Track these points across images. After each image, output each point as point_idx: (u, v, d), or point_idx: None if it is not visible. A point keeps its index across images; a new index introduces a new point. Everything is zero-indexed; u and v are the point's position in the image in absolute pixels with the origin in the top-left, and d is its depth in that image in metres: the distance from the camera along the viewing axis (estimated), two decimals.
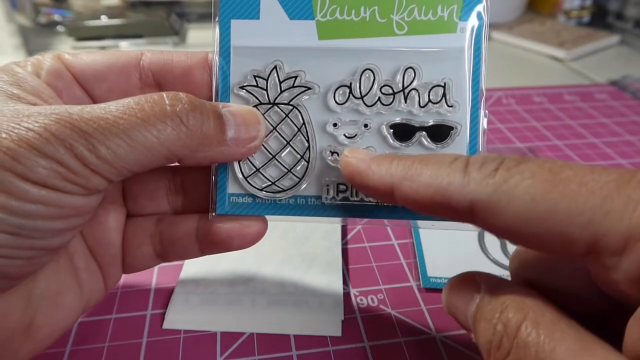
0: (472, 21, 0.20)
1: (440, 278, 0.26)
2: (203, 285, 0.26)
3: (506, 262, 0.28)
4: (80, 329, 0.24)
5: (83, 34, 0.64)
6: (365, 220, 0.21)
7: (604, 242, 0.13)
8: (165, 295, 0.25)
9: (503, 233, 0.15)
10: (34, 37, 0.65)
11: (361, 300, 0.25)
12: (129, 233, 0.22)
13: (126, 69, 0.21)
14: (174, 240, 0.21)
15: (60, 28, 0.68)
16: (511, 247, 0.28)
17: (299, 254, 0.28)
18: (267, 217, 0.21)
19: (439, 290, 0.26)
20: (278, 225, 0.30)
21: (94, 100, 0.21)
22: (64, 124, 0.15)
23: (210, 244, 0.21)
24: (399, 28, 0.20)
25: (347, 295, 0.26)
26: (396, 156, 0.17)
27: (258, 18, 0.20)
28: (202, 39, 0.67)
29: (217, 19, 0.20)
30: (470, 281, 0.18)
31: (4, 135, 0.15)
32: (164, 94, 0.18)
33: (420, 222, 0.20)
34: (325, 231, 0.30)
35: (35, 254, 0.16)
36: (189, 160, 0.18)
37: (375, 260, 0.28)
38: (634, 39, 0.68)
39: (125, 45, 0.64)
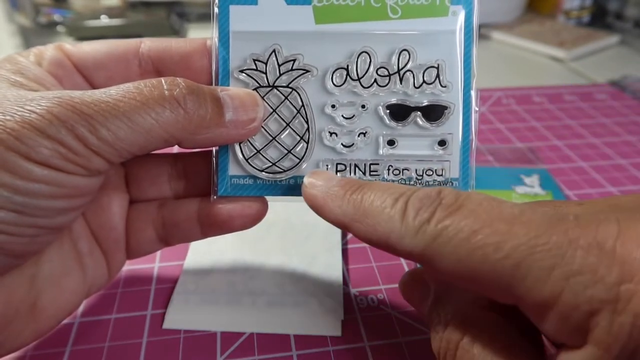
0: (463, 4, 0.20)
1: None
2: (203, 285, 0.26)
3: None
4: (80, 329, 0.24)
5: (83, 34, 0.64)
6: None
7: (524, 306, 0.14)
8: (165, 295, 0.25)
9: (446, 279, 0.17)
10: (34, 37, 0.65)
11: (361, 300, 0.25)
12: (132, 218, 0.22)
13: (125, 57, 0.21)
14: (177, 223, 0.22)
15: (60, 28, 0.68)
16: None
17: (299, 254, 0.28)
18: (268, 197, 0.21)
19: None
20: (278, 225, 0.30)
21: (95, 87, 0.21)
22: (65, 106, 0.16)
23: (213, 226, 0.21)
24: (393, 12, 0.20)
25: (347, 295, 0.26)
26: (349, 188, 0.18)
27: (256, 4, 0.20)
28: None
29: (216, 3, 0.20)
30: (421, 282, 0.19)
31: (8, 117, 0.15)
32: (162, 79, 0.18)
33: None
34: (325, 231, 0.30)
35: (38, 232, 0.17)
36: (188, 143, 0.19)
37: (375, 260, 0.28)
38: (634, 39, 0.68)
39: None
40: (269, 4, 0.20)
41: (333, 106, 0.20)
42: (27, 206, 0.16)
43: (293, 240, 0.29)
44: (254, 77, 0.20)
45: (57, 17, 0.71)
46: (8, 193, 0.15)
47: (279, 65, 0.20)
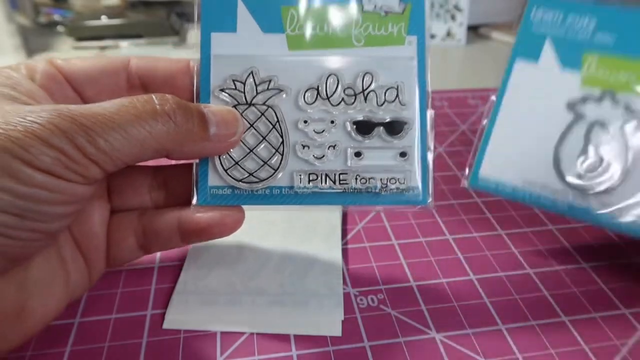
0: (417, 35, 0.23)
1: (490, 180, 0.28)
2: (203, 285, 0.26)
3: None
4: (80, 328, 0.24)
5: (83, 34, 0.64)
6: (340, 206, 0.25)
7: None
8: (165, 295, 0.25)
9: None
10: (34, 37, 0.65)
11: (361, 300, 0.25)
12: (113, 226, 0.23)
13: (115, 72, 0.23)
14: (157, 231, 0.23)
15: (60, 28, 0.68)
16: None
17: (299, 254, 0.28)
18: (245, 207, 0.23)
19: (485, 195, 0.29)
20: (278, 225, 0.30)
21: (85, 101, 0.23)
22: (65, 118, 0.17)
23: (192, 234, 0.22)
24: (357, 40, 0.23)
25: (347, 295, 0.26)
26: None
27: (235, 31, 0.22)
28: None
29: (199, 31, 0.22)
30: None
31: (11, 127, 0.16)
32: (153, 95, 0.19)
33: (380, 207, 0.26)
34: (325, 231, 0.30)
35: (36, 236, 0.18)
36: (176, 154, 0.20)
37: (375, 260, 0.28)
38: None
39: (125, 45, 0.65)
40: (247, 32, 0.22)
41: (305, 122, 0.22)
42: (28, 211, 0.17)
43: (293, 240, 0.29)
44: (233, 95, 0.22)
45: (57, 17, 0.71)
46: (10, 197, 0.16)
47: (256, 85, 0.22)
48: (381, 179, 0.23)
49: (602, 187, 0.25)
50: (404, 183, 0.23)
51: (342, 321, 0.24)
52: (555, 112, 0.26)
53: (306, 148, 0.22)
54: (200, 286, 0.26)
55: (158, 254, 0.28)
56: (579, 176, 0.26)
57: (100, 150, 0.17)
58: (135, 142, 0.18)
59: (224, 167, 0.22)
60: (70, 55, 0.62)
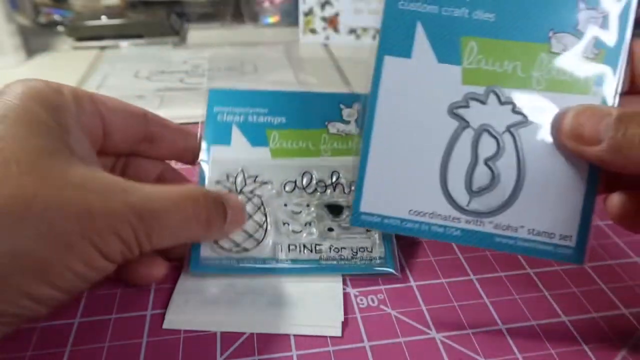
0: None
1: (374, 215, 0.24)
2: (203, 285, 0.26)
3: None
4: (80, 328, 0.24)
5: (83, 34, 0.64)
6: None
7: None
8: (165, 295, 0.25)
9: None
10: (34, 37, 0.65)
11: (361, 300, 0.25)
12: None
13: (138, 121, 0.26)
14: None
15: (60, 28, 0.68)
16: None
17: None
18: (234, 275, 0.26)
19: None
20: None
21: (107, 141, 0.25)
22: (134, 213, 0.19)
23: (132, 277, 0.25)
24: (325, 153, 0.29)
25: (347, 295, 0.26)
26: None
27: (229, 144, 0.28)
28: (202, 39, 0.67)
29: (202, 145, 0.28)
30: (600, 106, 0.20)
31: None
32: (208, 203, 0.23)
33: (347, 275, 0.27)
34: None
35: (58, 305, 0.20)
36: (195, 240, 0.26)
37: None
38: (634, 39, 0.68)
39: (125, 45, 0.65)
40: (238, 145, 0.28)
41: (285, 205, 0.28)
42: (76, 288, 0.19)
43: None
44: (226, 186, 0.28)
45: (57, 17, 0.71)
46: (75, 279, 0.18)
47: (245, 179, 0.28)
48: (351, 249, 0.26)
49: (494, 206, 0.22)
50: (371, 252, 0.27)
51: (342, 321, 0.24)
52: (438, 120, 0.22)
53: (286, 224, 0.27)
54: (200, 286, 0.26)
55: None
56: (470, 196, 0.23)
57: (152, 244, 0.20)
58: (176, 240, 0.22)
59: (215, 239, 0.26)
60: (70, 55, 0.62)
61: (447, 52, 0.22)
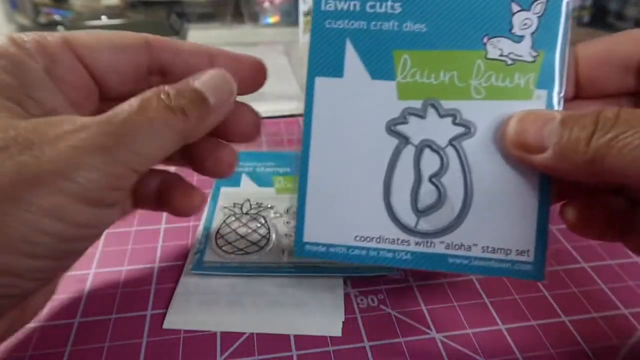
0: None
1: (318, 244, 0.22)
2: (204, 286, 0.26)
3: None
4: (80, 328, 0.24)
5: None
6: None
7: None
8: (165, 295, 0.25)
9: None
10: None
11: (361, 300, 0.25)
12: None
13: (136, 56, 0.22)
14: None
15: (60, 28, 0.68)
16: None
17: None
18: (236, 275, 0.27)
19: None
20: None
21: (103, 90, 0.22)
22: (102, 133, 0.17)
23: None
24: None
25: (347, 295, 0.26)
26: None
27: (239, 186, 0.34)
28: (202, 39, 0.67)
29: (210, 190, 0.33)
30: (544, 111, 0.20)
31: (45, 158, 0.15)
32: (167, 92, 0.19)
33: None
34: None
35: (59, 274, 0.19)
36: (192, 139, 0.20)
37: None
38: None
39: None
40: (245, 184, 0.34)
41: (288, 222, 0.30)
42: (69, 253, 0.17)
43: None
44: (233, 210, 0.31)
45: (57, 17, 0.70)
46: (54, 242, 0.16)
47: (251, 205, 0.32)
48: None
49: (444, 224, 0.21)
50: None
51: (342, 321, 0.24)
52: (377, 139, 0.21)
53: (287, 235, 0.29)
54: (201, 287, 0.26)
55: (158, 254, 0.28)
56: (418, 216, 0.22)
57: (141, 156, 0.17)
58: (161, 140, 0.18)
59: (219, 245, 0.28)
60: None
61: (380, 67, 0.21)
